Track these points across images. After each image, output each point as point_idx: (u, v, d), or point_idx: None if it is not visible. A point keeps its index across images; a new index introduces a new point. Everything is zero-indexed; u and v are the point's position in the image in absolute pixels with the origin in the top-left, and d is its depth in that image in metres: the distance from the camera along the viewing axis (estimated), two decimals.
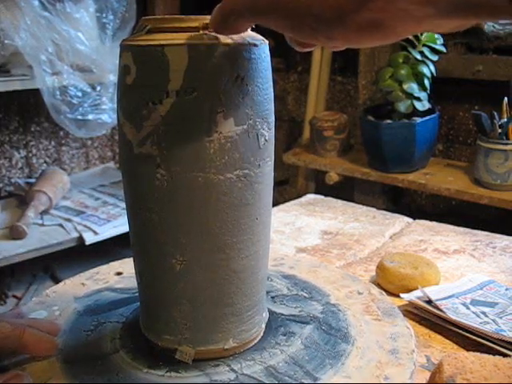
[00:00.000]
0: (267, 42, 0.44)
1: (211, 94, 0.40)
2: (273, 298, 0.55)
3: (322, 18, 0.32)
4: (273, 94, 0.45)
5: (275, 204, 0.96)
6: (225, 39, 0.40)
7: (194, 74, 0.40)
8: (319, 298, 0.55)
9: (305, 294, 0.56)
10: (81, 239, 1.46)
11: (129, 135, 0.42)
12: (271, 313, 0.52)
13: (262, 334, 0.49)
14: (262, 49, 0.43)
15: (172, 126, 0.40)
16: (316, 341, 0.47)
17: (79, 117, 1.44)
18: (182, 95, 0.40)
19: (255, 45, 0.42)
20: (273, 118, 0.45)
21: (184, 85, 0.40)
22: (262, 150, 0.44)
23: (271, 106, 0.44)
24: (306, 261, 0.67)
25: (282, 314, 0.52)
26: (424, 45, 1.38)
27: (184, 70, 0.39)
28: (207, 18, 0.40)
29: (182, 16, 0.41)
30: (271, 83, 0.44)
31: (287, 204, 0.98)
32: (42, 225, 1.51)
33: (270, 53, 0.45)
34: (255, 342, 0.48)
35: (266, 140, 0.44)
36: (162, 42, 0.40)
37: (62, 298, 0.58)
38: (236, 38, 0.41)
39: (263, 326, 0.49)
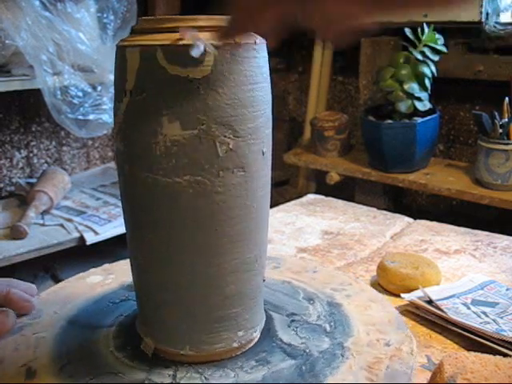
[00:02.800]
0: (240, 43, 0.40)
1: (157, 96, 0.40)
2: (292, 321, 0.52)
3: None
4: (252, 99, 0.42)
5: (276, 204, 0.96)
6: (181, 41, 0.39)
7: (144, 75, 0.40)
8: (337, 337, 0.50)
9: (327, 328, 0.51)
10: (82, 239, 1.46)
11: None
12: (273, 336, 0.49)
13: (237, 352, 0.47)
14: (230, 50, 0.40)
15: (128, 125, 0.42)
16: (278, 378, 0.44)
17: (80, 117, 1.44)
18: (134, 95, 0.41)
19: (215, 47, 0.39)
20: (246, 126, 0.42)
21: (135, 85, 0.41)
22: (224, 159, 0.41)
23: (243, 112, 0.41)
24: (370, 292, 0.59)
25: (281, 341, 0.49)
26: (425, 45, 1.38)
27: (136, 70, 0.40)
28: (185, 19, 0.40)
29: (161, 17, 0.41)
30: (248, 87, 0.41)
31: (288, 204, 0.98)
32: (43, 225, 1.51)
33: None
34: (222, 357, 0.46)
35: (230, 148, 0.41)
36: (125, 44, 0.41)
37: (123, 270, 0.64)
38: (195, 39, 0.39)
39: (234, 344, 0.46)
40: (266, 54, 0.44)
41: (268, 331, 0.50)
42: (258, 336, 0.49)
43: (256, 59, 0.42)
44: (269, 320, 0.52)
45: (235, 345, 0.47)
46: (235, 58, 0.40)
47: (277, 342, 0.49)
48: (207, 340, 0.45)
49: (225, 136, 0.41)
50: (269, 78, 0.45)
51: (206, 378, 0.44)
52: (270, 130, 0.45)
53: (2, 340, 0.50)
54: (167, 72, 0.39)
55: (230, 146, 0.41)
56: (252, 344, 0.48)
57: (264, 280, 0.49)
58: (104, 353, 0.47)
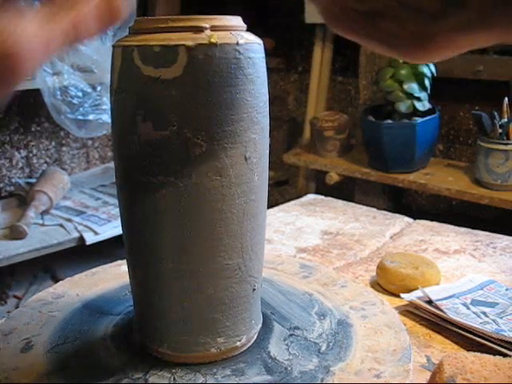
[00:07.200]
0: (217, 44, 0.39)
1: (133, 96, 0.40)
2: (291, 335, 0.49)
3: None
4: (230, 101, 0.40)
5: (275, 204, 0.96)
6: (158, 41, 0.39)
7: (123, 75, 0.41)
8: (328, 359, 0.46)
9: (323, 348, 0.47)
10: (81, 239, 1.47)
11: None
12: (262, 348, 0.47)
13: (217, 358, 0.46)
14: (203, 51, 0.39)
15: (114, 123, 0.44)
16: None
17: (80, 117, 1.44)
18: (117, 95, 0.42)
19: (188, 48, 0.38)
20: (222, 129, 0.40)
21: (117, 85, 0.42)
22: (197, 162, 0.40)
23: (218, 115, 0.40)
24: (391, 316, 0.53)
25: (267, 354, 0.46)
26: None
27: (118, 70, 0.41)
28: (179, 19, 0.40)
29: (156, 18, 0.41)
30: (225, 89, 0.40)
31: (288, 204, 0.98)
32: (43, 225, 1.52)
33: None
34: (201, 361, 0.45)
35: (203, 151, 0.40)
36: (115, 44, 0.42)
37: None
38: (169, 39, 0.39)
39: (213, 350, 0.45)
40: (255, 55, 0.42)
41: (260, 342, 0.48)
42: (248, 345, 0.48)
43: (237, 60, 0.40)
44: (268, 330, 0.50)
45: (214, 351, 0.45)
46: (210, 59, 0.39)
47: (262, 355, 0.46)
48: (184, 341, 0.45)
49: (197, 138, 0.40)
50: (261, 79, 0.42)
51: (175, 378, 0.43)
52: (261, 134, 0.43)
53: (20, 311, 0.53)
54: (141, 72, 0.39)
55: (203, 149, 0.40)
56: (237, 352, 0.47)
57: (254, 289, 0.47)
58: (97, 339, 0.48)
